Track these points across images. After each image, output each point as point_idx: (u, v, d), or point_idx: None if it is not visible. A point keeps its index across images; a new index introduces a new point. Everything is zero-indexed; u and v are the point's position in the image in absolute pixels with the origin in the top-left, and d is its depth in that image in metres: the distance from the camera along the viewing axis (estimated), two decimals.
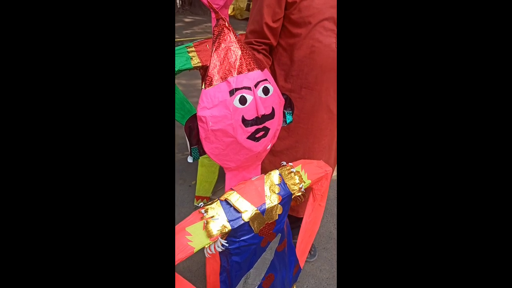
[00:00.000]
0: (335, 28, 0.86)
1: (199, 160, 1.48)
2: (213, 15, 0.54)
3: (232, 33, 0.57)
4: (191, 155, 0.60)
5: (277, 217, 0.71)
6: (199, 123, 0.57)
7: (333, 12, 0.86)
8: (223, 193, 0.68)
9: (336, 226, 1.62)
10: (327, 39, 0.87)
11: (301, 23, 0.86)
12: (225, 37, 0.56)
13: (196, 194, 1.67)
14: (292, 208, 1.03)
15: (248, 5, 3.27)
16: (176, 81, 1.11)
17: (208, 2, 0.63)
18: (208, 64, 0.57)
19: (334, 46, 0.88)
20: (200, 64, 1.19)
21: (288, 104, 0.71)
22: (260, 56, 0.90)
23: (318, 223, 0.92)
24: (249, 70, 0.58)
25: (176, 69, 1.11)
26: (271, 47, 0.93)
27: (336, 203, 1.84)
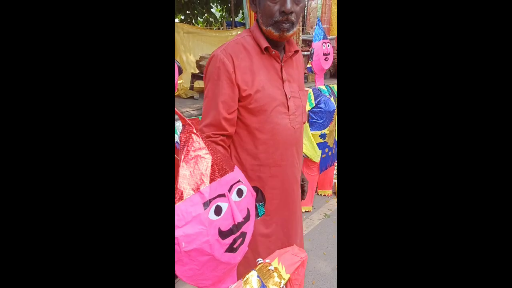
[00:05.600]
0: (287, 111, 0.97)
1: None
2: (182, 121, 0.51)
3: (200, 138, 0.53)
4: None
5: None
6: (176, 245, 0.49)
7: (283, 98, 0.96)
8: None
9: None
10: (283, 121, 0.96)
11: (259, 111, 0.92)
12: (191, 143, 0.52)
13: None
14: None
15: (192, 86, 3.52)
16: None
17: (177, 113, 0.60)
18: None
19: (290, 125, 0.97)
20: None
21: (260, 196, 0.67)
22: (219, 148, 0.90)
23: None
24: (221, 175, 0.53)
25: None
26: (229, 136, 0.95)
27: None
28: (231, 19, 6.31)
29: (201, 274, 0.52)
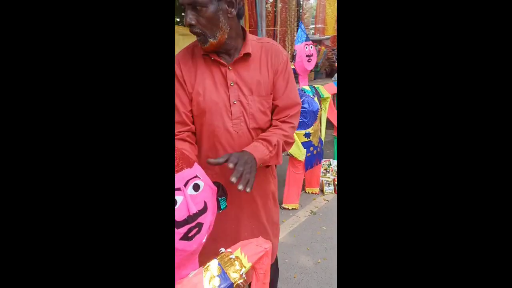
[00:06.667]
0: (230, 115, 0.96)
1: None
2: None
3: None
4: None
5: None
6: None
7: (226, 102, 0.95)
8: None
9: None
10: (224, 125, 0.96)
11: (201, 114, 0.96)
12: None
13: None
14: None
15: None
16: None
17: None
18: None
19: (232, 129, 0.97)
20: None
21: (221, 191, 0.73)
22: (186, 145, 0.94)
23: None
24: (177, 171, 0.59)
25: None
26: (194, 133, 1.00)
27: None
28: None
29: None
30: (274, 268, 1.32)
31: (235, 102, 0.95)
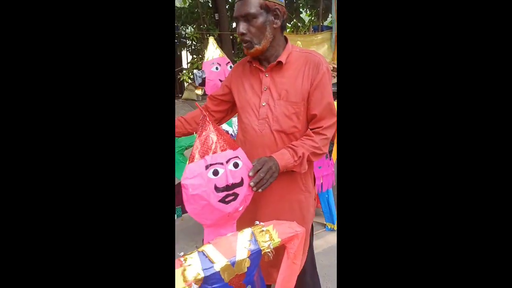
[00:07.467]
0: (257, 115, 1.09)
1: None
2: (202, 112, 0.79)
3: (211, 124, 0.79)
4: (175, 213, 0.78)
5: (246, 270, 0.84)
6: (183, 189, 0.76)
7: (257, 103, 1.09)
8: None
9: None
10: (252, 123, 1.09)
11: (239, 110, 1.15)
12: (205, 127, 0.79)
13: None
14: (269, 274, 1.14)
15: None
16: (187, 153, 1.41)
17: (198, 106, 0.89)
18: None
19: (257, 128, 1.09)
20: None
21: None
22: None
23: (293, 281, 1.01)
24: (222, 150, 0.78)
25: (186, 144, 1.39)
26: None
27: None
28: (319, 24, 6.42)
29: (202, 214, 0.79)
30: (309, 262, 1.36)
31: (263, 104, 1.07)
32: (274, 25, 1.04)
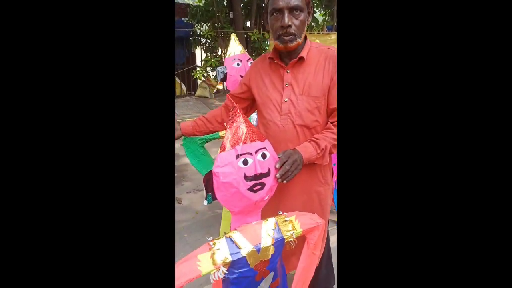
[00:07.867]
0: (280, 111, 1.11)
1: (223, 215, 1.67)
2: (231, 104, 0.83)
3: (241, 116, 0.83)
4: (206, 199, 0.82)
5: (270, 256, 0.88)
6: (214, 177, 0.81)
7: (279, 99, 1.11)
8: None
9: None
10: (274, 119, 1.11)
11: (260, 106, 1.16)
12: (236, 119, 0.82)
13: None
14: (289, 262, 1.17)
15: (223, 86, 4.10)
16: (208, 148, 1.44)
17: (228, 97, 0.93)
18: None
19: (279, 123, 1.11)
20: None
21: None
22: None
23: (312, 271, 1.05)
24: (251, 141, 0.82)
25: (207, 138, 1.43)
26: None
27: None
28: (333, 24, 6.42)
29: (231, 201, 0.83)
30: (326, 255, 1.39)
31: (286, 100, 1.09)
32: (307, 21, 1.07)
